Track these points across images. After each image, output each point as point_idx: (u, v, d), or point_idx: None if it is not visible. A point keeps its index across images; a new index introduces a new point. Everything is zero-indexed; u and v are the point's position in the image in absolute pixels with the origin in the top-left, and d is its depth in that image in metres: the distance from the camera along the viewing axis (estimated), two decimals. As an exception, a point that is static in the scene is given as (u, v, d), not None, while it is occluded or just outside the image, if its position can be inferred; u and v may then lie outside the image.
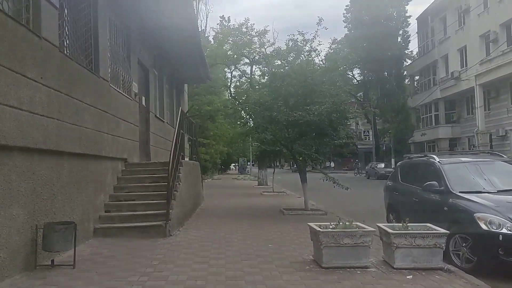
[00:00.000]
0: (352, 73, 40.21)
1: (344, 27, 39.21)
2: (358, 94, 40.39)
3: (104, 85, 7.26)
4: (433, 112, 31.10)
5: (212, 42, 25.61)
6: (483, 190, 5.37)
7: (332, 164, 43.99)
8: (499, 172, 5.90)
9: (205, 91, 25.26)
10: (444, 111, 30.23)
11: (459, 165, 5.94)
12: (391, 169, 31.80)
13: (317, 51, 10.21)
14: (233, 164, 59.91)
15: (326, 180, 10.00)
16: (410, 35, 37.32)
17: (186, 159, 12.13)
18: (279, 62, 10.86)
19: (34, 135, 4.70)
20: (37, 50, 4.84)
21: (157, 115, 11.71)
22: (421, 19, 33.08)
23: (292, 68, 10.07)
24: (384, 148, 42.88)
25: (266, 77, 12.31)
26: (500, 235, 4.51)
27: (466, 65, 25.84)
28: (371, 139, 46.41)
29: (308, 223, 5.18)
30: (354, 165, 38.48)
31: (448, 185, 5.53)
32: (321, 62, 10.82)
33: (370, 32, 33.72)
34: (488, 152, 7.14)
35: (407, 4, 36.34)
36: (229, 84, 26.49)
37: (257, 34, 22.45)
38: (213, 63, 21.92)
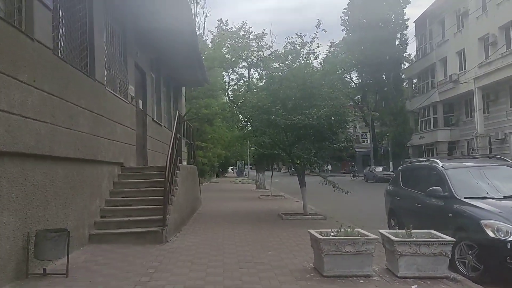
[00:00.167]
0: (350, 76, 40.16)
1: (342, 31, 39.22)
2: (356, 98, 40.34)
3: (100, 88, 7.12)
4: (432, 115, 31.08)
5: (210, 46, 25.52)
6: (489, 196, 5.24)
7: (330, 168, 43.85)
8: (505, 177, 5.76)
9: (203, 94, 25.16)
10: (442, 114, 30.21)
11: (463, 170, 5.81)
12: (390, 173, 31.97)
13: (316, 54, 10.10)
14: (231, 167, 59.75)
15: (326, 184, 9.86)
16: (408, 38, 37.31)
17: (184, 163, 11.98)
18: (277, 65, 10.74)
19: (26, 140, 4.55)
20: (30, 52, 4.70)
21: (154, 119, 11.57)
22: (419, 22, 33.13)
23: (291, 71, 9.96)
24: (382, 151, 42.84)
25: (264, 80, 12.19)
26: (508, 243, 4.37)
27: (465, 68, 25.84)
28: (369, 142, 46.40)
29: (309, 230, 5.04)
30: (350, 168, 38.28)
31: (453, 191, 5.39)
32: (319, 65, 10.68)
33: (368, 35, 33.71)
34: (493, 157, 7.01)
35: (405, 7, 36.37)
36: (227, 87, 26.40)
37: (255, 37, 22.39)
38: (211, 66, 21.83)
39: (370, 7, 34.88)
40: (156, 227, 6.53)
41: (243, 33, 22.53)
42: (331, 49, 10.80)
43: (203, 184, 23.67)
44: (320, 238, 4.51)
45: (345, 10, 39.26)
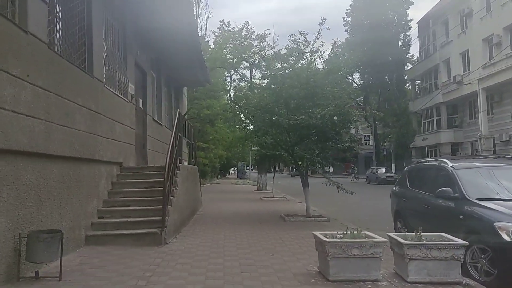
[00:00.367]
0: (352, 78, 39.94)
1: (345, 31, 39.00)
2: (359, 99, 40.11)
3: (98, 86, 6.94)
4: (435, 116, 30.80)
5: (212, 47, 25.36)
6: (501, 197, 5.01)
7: (331, 169, 43.51)
8: (516, 177, 5.53)
9: (205, 95, 25.00)
10: (446, 115, 29.93)
11: (473, 170, 5.57)
12: (393, 174, 31.71)
13: (319, 52, 9.89)
14: (232, 169, 59.56)
15: (329, 185, 9.64)
16: (411, 39, 37.05)
17: (185, 163, 11.79)
18: (279, 66, 10.56)
19: (18, 137, 4.36)
20: (23, 46, 4.52)
21: (155, 118, 11.39)
22: (422, 23, 32.89)
23: (294, 70, 9.77)
24: (385, 153, 42.55)
25: (266, 80, 12.01)
26: (525, 247, 4.15)
27: (469, 69, 25.60)
28: (371, 144, 46.12)
29: (313, 232, 4.82)
30: (350, 170, 37.88)
31: (464, 192, 5.16)
32: (323, 64, 10.47)
33: (371, 36, 33.50)
34: (497, 157, 6.78)
35: (408, 8, 36.13)
36: (228, 88, 26.23)
37: (257, 37, 22.20)
38: (213, 67, 21.66)
39: (372, 8, 34.69)
40: (155, 229, 6.33)
41: (245, 33, 22.34)
42: (334, 49, 10.59)
43: (204, 185, 23.50)
44: (326, 241, 4.30)
45: (348, 11, 39.08)
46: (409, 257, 4.17)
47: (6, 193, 4.16)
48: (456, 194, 5.23)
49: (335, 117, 9.16)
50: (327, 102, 9.05)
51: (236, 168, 55.27)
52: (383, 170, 33.21)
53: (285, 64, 10.30)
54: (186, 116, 14.32)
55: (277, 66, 10.77)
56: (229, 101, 25.73)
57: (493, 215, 4.61)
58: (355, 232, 4.52)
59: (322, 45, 9.86)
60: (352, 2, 38.61)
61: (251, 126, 12.09)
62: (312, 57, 9.82)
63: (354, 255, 4.23)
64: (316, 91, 9.22)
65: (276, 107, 9.60)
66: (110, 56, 7.80)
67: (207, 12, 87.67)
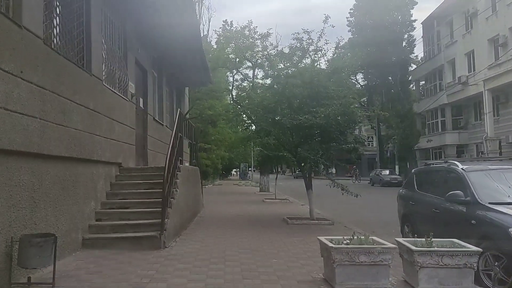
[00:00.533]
0: (356, 78, 39.64)
1: (348, 31, 38.69)
2: (362, 100, 39.78)
3: (97, 84, 6.75)
4: (440, 118, 30.49)
5: (215, 46, 25.19)
6: (516, 201, 4.77)
7: (334, 170, 43.12)
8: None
9: (207, 95, 24.80)
10: (451, 117, 29.63)
11: (485, 172, 5.33)
12: (397, 176, 31.39)
13: (323, 51, 9.67)
14: (234, 170, 59.34)
15: (334, 186, 9.42)
16: (415, 39, 36.67)
17: (186, 164, 11.60)
18: (282, 66, 10.36)
19: (11, 136, 4.17)
20: (17, 40, 4.33)
21: (156, 118, 11.20)
22: (427, 24, 32.59)
23: (297, 69, 9.56)
24: (388, 154, 42.22)
25: (269, 80, 11.81)
26: (541, 254, 3.92)
27: (474, 70, 25.29)
28: (374, 146, 45.83)
29: (318, 237, 4.61)
30: (352, 171, 37.47)
31: (476, 195, 4.93)
32: (327, 64, 10.26)
33: (374, 37, 33.19)
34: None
35: (412, 8, 35.77)
36: (231, 88, 26.04)
37: (259, 37, 22.03)
38: (215, 67, 21.47)
39: (376, 8, 34.39)
40: (153, 232, 6.13)
41: (247, 32, 22.18)
42: (337, 50, 10.37)
43: (206, 186, 23.31)
44: (332, 247, 4.08)
45: (351, 11, 38.82)
46: (419, 265, 3.96)
47: (-3, 194, 3.97)
48: (468, 198, 5.00)
49: (339, 117, 8.94)
50: (332, 101, 8.84)
51: (238, 169, 55.05)
52: (387, 172, 32.92)
53: (288, 63, 10.10)
54: (187, 116, 14.14)
55: (279, 66, 10.58)
56: (231, 102, 25.54)
57: (507, 220, 4.38)
58: (362, 237, 4.31)
59: (326, 43, 9.65)
60: (355, 2, 38.34)
61: (253, 127, 11.89)
62: (316, 56, 9.62)
63: (362, 262, 4.02)
64: (320, 90, 9.01)
65: (279, 107, 9.40)
66: (109, 54, 7.62)
67: (210, 12, 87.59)
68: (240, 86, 25.51)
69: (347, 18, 39.10)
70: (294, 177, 51.47)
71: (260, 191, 21.04)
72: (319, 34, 9.57)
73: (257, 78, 23.07)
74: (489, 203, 4.76)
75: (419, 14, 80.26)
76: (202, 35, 16.02)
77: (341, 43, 10.84)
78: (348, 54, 13.14)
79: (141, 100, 9.77)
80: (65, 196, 5.43)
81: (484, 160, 7.06)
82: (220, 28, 24.16)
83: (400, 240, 4.43)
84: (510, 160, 6.23)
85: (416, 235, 4.90)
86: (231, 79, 26.19)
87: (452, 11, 28.09)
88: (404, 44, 36.25)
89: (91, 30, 6.53)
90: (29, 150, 4.53)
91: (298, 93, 9.12)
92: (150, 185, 7.47)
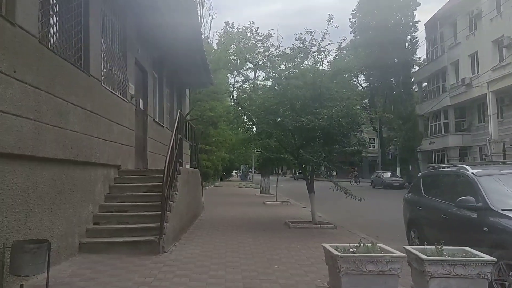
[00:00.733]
0: (358, 80, 39.47)
1: (350, 33, 38.56)
2: (364, 101, 39.55)
3: (95, 84, 6.59)
4: (442, 119, 30.26)
5: (216, 48, 25.06)
6: (530, 208, 4.57)
7: (334, 173, 42.81)
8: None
9: (208, 97, 24.67)
10: (454, 119, 29.39)
11: (497, 177, 5.14)
12: (398, 178, 31.12)
13: (326, 51, 9.49)
14: (235, 171, 59.17)
15: (336, 190, 9.23)
16: (418, 41, 36.52)
17: (187, 166, 11.42)
18: (284, 67, 10.18)
19: (3, 138, 4.01)
20: (9, 39, 4.16)
21: (156, 120, 11.04)
22: (430, 25, 32.39)
23: (300, 70, 9.38)
24: (390, 156, 41.97)
25: (270, 81, 11.64)
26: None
27: (478, 72, 25.08)
28: (376, 148, 45.58)
29: (323, 244, 4.42)
30: (350, 174, 37.08)
31: (487, 201, 4.73)
32: (329, 64, 10.08)
33: (377, 38, 33.06)
34: None
35: (415, 9, 35.64)
36: (232, 89, 25.88)
37: (261, 38, 21.89)
38: (216, 68, 21.33)
39: (378, 9, 34.27)
40: (152, 236, 5.96)
41: (249, 34, 22.06)
42: (339, 51, 10.20)
43: (207, 188, 23.14)
44: (338, 255, 3.90)
45: (353, 12, 38.69)
46: (430, 275, 3.76)
47: (-12, 199, 3.81)
48: (479, 204, 4.80)
49: (341, 119, 8.76)
50: (335, 103, 8.66)
51: (238, 171, 54.86)
52: (389, 174, 32.65)
53: (290, 64, 9.93)
54: (188, 117, 13.97)
55: (281, 67, 10.40)
56: (232, 103, 25.39)
57: (522, 227, 4.19)
58: (369, 245, 4.12)
59: (329, 43, 9.47)
60: (358, 3, 38.21)
61: (254, 128, 11.72)
62: (319, 57, 9.44)
63: (369, 271, 3.83)
64: (323, 91, 8.84)
65: (281, 108, 9.21)
66: (108, 54, 7.45)
67: (211, 14, 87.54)
68: (241, 88, 25.40)
69: (349, 19, 39.00)
70: (295, 179, 51.25)
71: (260, 193, 20.87)
72: (323, 34, 9.40)
73: (259, 80, 22.94)
74: (502, 209, 4.56)
75: (422, 15, 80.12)
76: (203, 37, 15.90)
77: (344, 44, 10.66)
78: (350, 55, 12.97)
79: (141, 101, 9.61)
80: (62, 200, 5.27)
81: (493, 164, 6.88)
82: (221, 29, 24.08)
83: (409, 248, 4.23)
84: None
85: (425, 242, 4.71)
86: (232, 80, 26.11)
87: (456, 12, 27.89)
88: (407, 46, 36.12)
89: (90, 29, 6.37)
90: (23, 152, 4.37)
91: (301, 95, 8.94)
92: (149, 188, 7.30)
